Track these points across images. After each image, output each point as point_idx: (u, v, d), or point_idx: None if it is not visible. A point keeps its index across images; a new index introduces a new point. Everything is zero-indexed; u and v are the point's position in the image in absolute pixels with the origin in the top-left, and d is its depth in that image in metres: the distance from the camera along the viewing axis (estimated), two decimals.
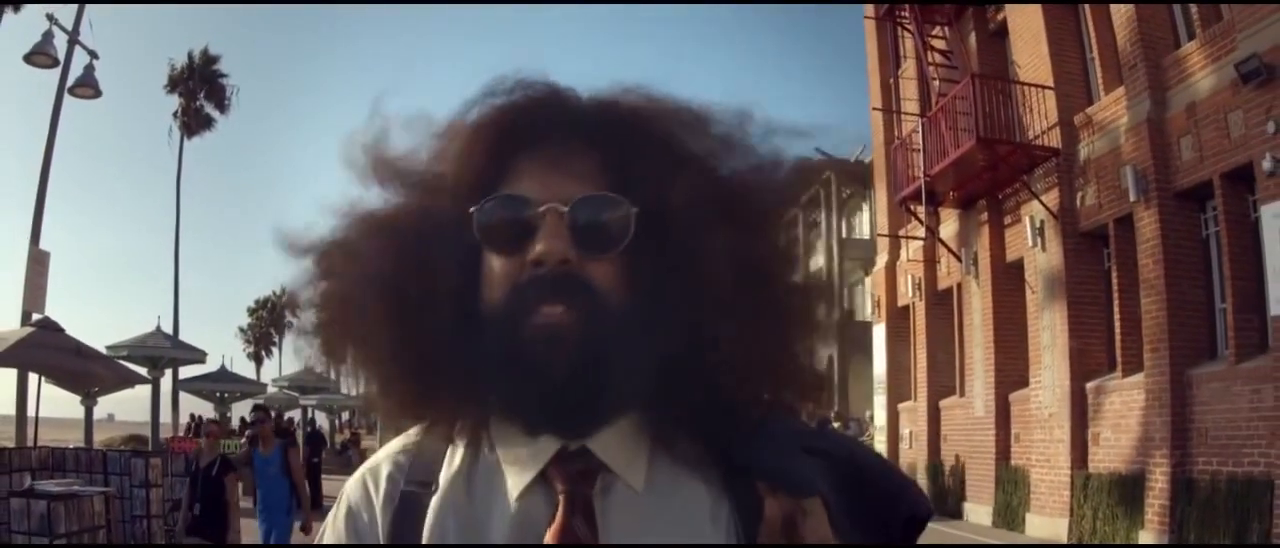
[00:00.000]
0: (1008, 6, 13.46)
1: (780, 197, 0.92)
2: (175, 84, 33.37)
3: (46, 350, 9.45)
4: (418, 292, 0.84)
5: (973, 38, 14.28)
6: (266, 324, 57.82)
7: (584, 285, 0.81)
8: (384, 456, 0.91)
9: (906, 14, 14.90)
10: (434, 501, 0.84)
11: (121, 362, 13.23)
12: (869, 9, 16.93)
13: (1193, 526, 9.13)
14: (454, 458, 0.87)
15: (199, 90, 33.51)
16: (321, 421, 32.17)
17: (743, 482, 0.83)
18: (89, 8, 13.42)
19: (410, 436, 0.91)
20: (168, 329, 19.15)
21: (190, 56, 33.66)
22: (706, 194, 0.84)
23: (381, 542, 0.85)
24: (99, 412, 12.95)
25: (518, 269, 0.82)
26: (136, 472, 8.92)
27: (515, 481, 0.83)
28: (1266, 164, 8.45)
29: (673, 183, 0.84)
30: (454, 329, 0.83)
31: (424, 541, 0.82)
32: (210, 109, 33.79)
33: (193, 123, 32.95)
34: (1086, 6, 11.95)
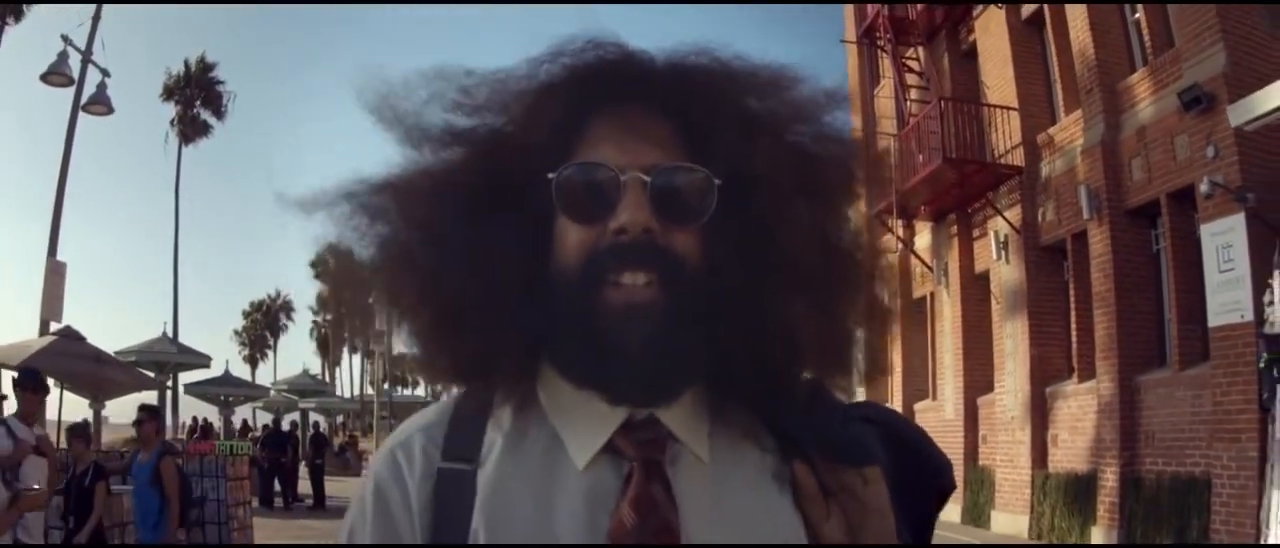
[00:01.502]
0: (978, 30, 13.97)
1: (851, 169, 0.90)
2: (171, 92, 33.62)
3: (68, 358, 9.92)
4: (482, 250, 0.82)
5: (945, 59, 14.80)
6: (261, 327, 58.08)
7: (666, 255, 0.79)
8: (414, 428, 0.86)
9: (882, 36, 15.43)
10: (486, 475, 0.80)
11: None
12: (848, 31, 17.53)
13: (1140, 521, 9.69)
14: (498, 430, 0.83)
15: (196, 97, 33.77)
16: (320, 423, 32.52)
17: (799, 452, 0.82)
18: (100, 25, 13.84)
19: (436, 410, 0.87)
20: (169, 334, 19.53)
21: (186, 64, 33.98)
22: (783, 164, 0.83)
23: (416, 519, 0.80)
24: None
25: (596, 236, 0.80)
26: None
27: (580, 450, 0.80)
28: (1204, 187, 8.84)
29: (750, 151, 0.82)
30: (519, 291, 0.80)
31: (479, 517, 0.78)
32: (207, 116, 34.08)
33: (190, 130, 33.25)
34: (1049, 31, 12.43)
